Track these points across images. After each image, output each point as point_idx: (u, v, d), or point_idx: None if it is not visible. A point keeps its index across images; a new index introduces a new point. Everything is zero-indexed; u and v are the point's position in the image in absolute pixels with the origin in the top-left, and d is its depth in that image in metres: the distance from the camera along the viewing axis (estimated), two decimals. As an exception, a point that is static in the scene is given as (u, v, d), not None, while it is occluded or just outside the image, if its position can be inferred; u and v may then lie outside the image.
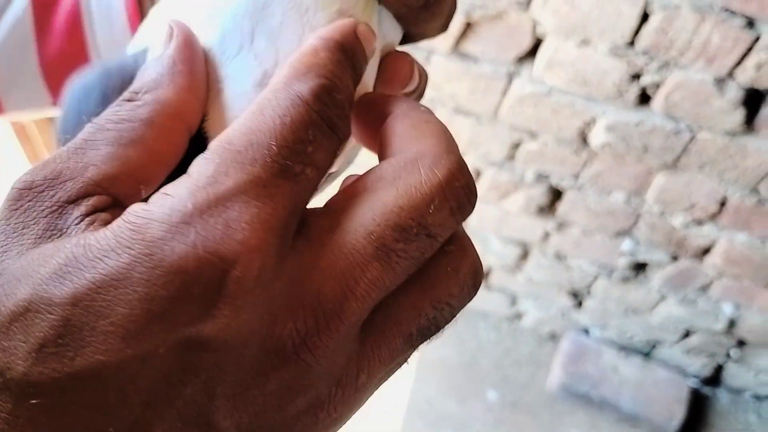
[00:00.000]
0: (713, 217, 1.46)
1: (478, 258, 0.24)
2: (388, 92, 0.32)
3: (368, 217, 0.22)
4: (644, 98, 1.28)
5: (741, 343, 1.76)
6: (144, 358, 0.18)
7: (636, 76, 1.24)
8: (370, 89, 0.31)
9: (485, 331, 1.92)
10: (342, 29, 0.26)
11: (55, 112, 0.45)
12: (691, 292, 1.66)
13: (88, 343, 0.18)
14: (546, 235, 1.65)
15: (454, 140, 0.25)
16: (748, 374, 1.83)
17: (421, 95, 0.34)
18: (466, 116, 1.42)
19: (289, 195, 0.21)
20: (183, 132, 0.25)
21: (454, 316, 0.24)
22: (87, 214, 0.21)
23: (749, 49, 1.14)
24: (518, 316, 1.93)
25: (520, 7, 1.20)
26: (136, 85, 0.25)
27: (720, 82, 1.21)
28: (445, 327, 0.24)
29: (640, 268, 1.66)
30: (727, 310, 1.67)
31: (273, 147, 0.21)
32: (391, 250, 0.21)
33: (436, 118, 0.26)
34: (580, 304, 1.82)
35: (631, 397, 1.78)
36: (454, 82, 1.36)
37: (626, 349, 1.86)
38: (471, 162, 1.52)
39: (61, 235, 0.20)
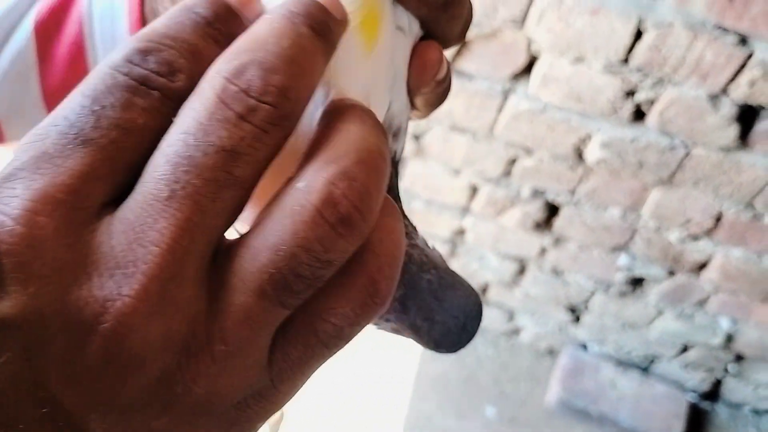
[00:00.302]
0: (709, 232, 1.46)
1: (339, 188, 0.21)
2: (421, 81, 0.33)
3: (158, 158, 0.21)
4: (639, 114, 1.29)
5: (739, 358, 1.76)
6: None
7: (630, 93, 1.25)
8: (383, 94, 0.31)
9: (483, 347, 1.92)
10: None
11: None
12: (688, 306, 1.66)
13: None
14: (543, 251, 1.66)
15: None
16: (746, 389, 1.84)
17: (448, 86, 0.35)
18: (462, 133, 1.43)
19: (81, 161, 0.20)
20: None
21: (324, 261, 0.21)
22: None
23: (742, 66, 1.16)
24: (516, 331, 1.94)
25: (515, 25, 1.21)
26: None
27: (714, 98, 1.22)
28: (319, 276, 0.21)
29: (637, 283, 1.66)
30: (725, 324, 1.67)
31: (65, 118, 0.20)
32: (185, 182, 0.20)
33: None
34: (577, 319, 1.83)
35: (629, 412, 1.78)
36: (450, 99, 1.37)
37: (624, 364, 1.86)
38: (467, 178, 1.53)
39: None
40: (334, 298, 0.22)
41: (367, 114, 0.24)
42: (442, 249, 1.23)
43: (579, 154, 1.39)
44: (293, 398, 0.24)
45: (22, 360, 0.19)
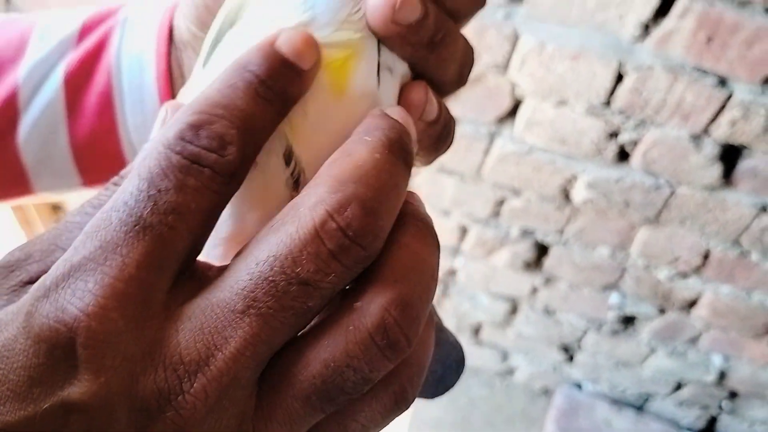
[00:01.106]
0: (697, 269, 1.47)
1: (392, 315, 0.22)
2: None
3: (242, 271, 0.21)
4: (623, 155, 1.30)
5: (733, 395, 1.75)
6: (32, 419, 0.19)
7: (614, 134, 1.26)
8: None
9: (477, 388, 1.91)
10: (258, 50, 0.25)
11: (83, 192, 0.45)
12: (680, 344, 1.66)
13: None
14: (534, 290, 1.66)
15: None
16: (741, 426, 1.82)
17: (445, 128, 0.32)
18: (450, 175, 1.44)
19: (144, 251, 0.21)
20: None
21: (367, 380, 0.22)
22: None
23: (722, 107, 1.17)
24: (510, 371, 1.93)
25: (498, 70, 1.23)
26: (125, 168, 0.26)
27: (696, 138, 1.23)
28: (360, 390, 0.22)
29: (628, 321, 1.66)
30: (717, 361, 1.67)
31: (125, 203, 0.21)
32: (264, 304, 0.21)
33: (359, 154, 0.24)
34: (571, 358, 1.82)
35: (625, 452, 1.76)
36: (437, 142, 1.38)
37: (619, 402, 1.85)
38: (456, 220, 1.54)
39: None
40: (367, 402, 0.23)
41: (429, 231, 0.25)
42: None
43: (566, 195, 1.40)
44: None
45: None
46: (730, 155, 1.25)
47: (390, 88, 0.30)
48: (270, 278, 0.21)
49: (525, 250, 1.55)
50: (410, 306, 0.22)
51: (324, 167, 0.23)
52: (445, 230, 1.58)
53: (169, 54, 0.41)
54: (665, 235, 1.42)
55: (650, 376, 1.77)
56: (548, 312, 1.71)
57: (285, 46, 0.25)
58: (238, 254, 0.22)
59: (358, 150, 0.23)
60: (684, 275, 1.50)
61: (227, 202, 0.23)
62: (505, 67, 1.23)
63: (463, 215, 1.52)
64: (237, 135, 0.22)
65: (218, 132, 0.22)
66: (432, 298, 0.23)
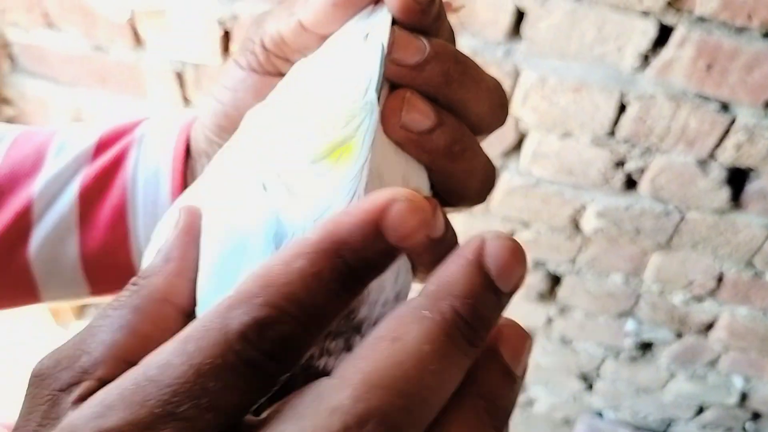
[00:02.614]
0: (712, 292, 1.47)
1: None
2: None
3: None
4: (630, 183, 1.31)
5: (756, 416, 1.74)
6: None
7: (620, 163, 1.27)
8: None
9: (497, 422, 1.89)
10: (363, 212, 0.21)
11: (91, 301, 0.46)
12: (699, 367, 1.65)
13: None
14: (549, 321, 1.66)
15: (386, 384, 0.19)
16: (767, 447, 1.81)
17: (450, 249, 0.30)
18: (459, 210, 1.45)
19: None
20: (172, 313, 0.27)
21: None
22: (75, 401, 0.22)
23: (726, 131, 1.18)
24: (530, 403, 1.92)
25: (502, 106, 1.24)
26: (141, 271, 0.27)
27: (702, 163, 1.24)
28: None
29: (646, 347, 1.65)
30: (738, 383, 1.66)
31: (168, 386, 0.20)
32: None
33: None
34: (590, 386, 1.81)
35: (651, 480, 1.74)
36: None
37: (641, 429, 1.84)
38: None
39: (53, 425, 0.22)
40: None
41: (491, 414, 0.21)
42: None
43: (575, 225, 1.41)
44: None
45: None
46: (738, 178, 1.26)
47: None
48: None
49: (538, 281, 1.55)
50: None
51: (362, 350, 0.20)
52: (457, 265, 1.58)
53: (185, 169, 0.42)
54: (678, 259, 1.42)
55: (671, 401, 1.76)
56: (565, 341, 1.70)
57: (396, 222, 0.21)
58: None
59: (407, 335, 0.20)
60: (699, 299, 1.49)
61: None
62: (508, 102, 1.24)
63: (475, 249, 1.52)
64: (305, 338, 0.20)
65: (284, 336, 0.20)
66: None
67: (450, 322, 0.20)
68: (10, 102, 1.51)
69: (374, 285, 0.25)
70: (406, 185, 0.30)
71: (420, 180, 0.32)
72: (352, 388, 0.19)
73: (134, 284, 0.26)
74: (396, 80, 0.30)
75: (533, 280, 1.55)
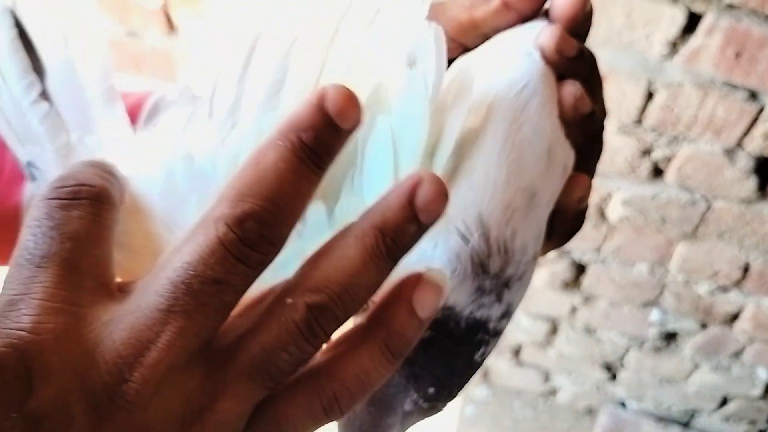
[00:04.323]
0: (738, 283, 1.46)
1: (314, 314, 0.25)
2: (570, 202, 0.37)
3: (162, 278, 0.25)
4: (657, 172, 1.31)
5: (781, 409, 1.73)
6: None
7: (647, 152, 1.27)
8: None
9: (521, 410, 1.91)
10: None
11: None
12: (724, 358, 1.65)
13: None
14: (573, 310, 1.66)
15: (253, 193, 0.25)
16: (792, 440, 1.80)
17: (584, 215, 0.39)
18: (486, 198, 1.46)
19: (56, 274, 0.25)
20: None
21: (298, 359, 0.26)
22: None
23: (755, 120, 1.18)
24: (553, 392, 1.93)
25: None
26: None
27: (729, 152, 1.24)
28: (293, 367, 0.26)
29: (670, 337, 1.66)
30: (763, 375, 1.65)
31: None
32: (184, 302, 0.24)
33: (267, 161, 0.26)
34: (614, 376, 1.82)
35: (673, 470, 1.74)
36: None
37: (665, 420, 1.84)
38: (493, 242, 1.55)
39: None
40: (299, 399, 0.27)
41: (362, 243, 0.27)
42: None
43: (601, 213, 1.41)
44: None
45: None
46: (765, 168, 1.26)
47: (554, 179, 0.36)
48: (186, 281, 0.24)
49: (563, 269, 1.56)
50: (328, 310, 0.26)
51: (234, 177, 0.26)
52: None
53: None
54: (704, 249, 1.42)
55: (695, 392, 1.76)
56: (589, 331, 1.71)
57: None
58: (157, 264, 0.26)
59: (267, 158, 0.25)
60: (725, 289, 1.49)
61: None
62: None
63: (500, 237, 1.53)
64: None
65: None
66: (354, 309, 0.27)
67: (297, 146, 0.25)
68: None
69: (518, 246, 0.33)
70: (565, 169, 0.36)
71: (570, 162, 0.36)
72: (228, 200, 0.25)
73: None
74: (558, 70, 0.36)
75: (558, 269, 1.56)
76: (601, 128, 0.38)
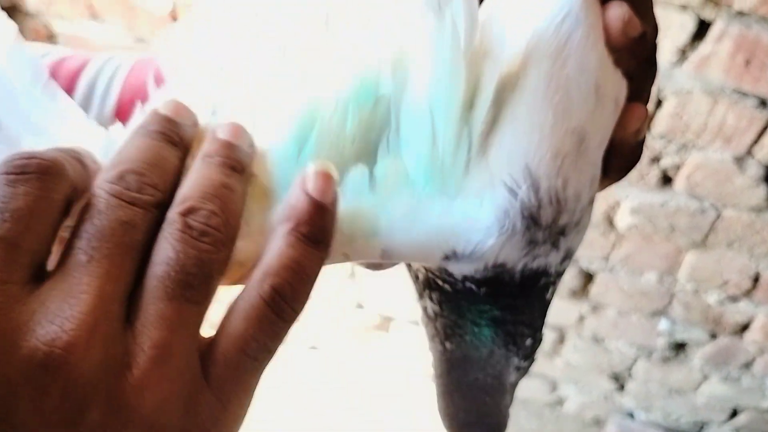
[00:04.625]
0: (748, 292, 1.45)
1: (185, 210, 0.28)
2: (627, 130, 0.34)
3: (74, 236, 0.27)
4: (666, 180, 1.30)
5: (791, 421, 1.71)
6: None
7: (656, 159, 1.26)
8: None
9: (526, 419, 1.89)
10: None
11: None
12: (733, 369, 1.63)
13: None
14: (581, 318, 1.65)
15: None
16: (802, 453, 1.78)
17: (641, 146, 0.37)
18: (493, 206, 1.45)
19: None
20: None
21: (203, 261, 0.27)
22: None
23: (765, 127, 1.17)
24: (560, 401, 1.91)
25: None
26: None
27: (739, 160, 1.23)
28: (204, 273, 0.27)
29: (679, 347, 1.64)
30: (773, 386, 1.63)
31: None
32: (101, 247, 0.26)
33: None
34: (622, 387, 1.80)
35: (682, 482, 1.72)
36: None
37: (673, 431, 1.82)
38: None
39: None
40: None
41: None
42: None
43: (610, 221, 1.40)
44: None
45: None
46: (776, 176, 1.25)
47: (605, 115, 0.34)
48: (93, 231, 0.26)
49: (570, 277, 1.55)
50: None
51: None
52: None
53: None
54: (713, 258, 1.41)
55: (704, 403, 1.74)
56: (596, 340, 1.69)
57: None
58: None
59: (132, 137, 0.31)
60: (734, 299, 1.48)
61: None
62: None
63: (507, 245, 1.52)
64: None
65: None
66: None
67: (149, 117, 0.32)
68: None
69: (571, 194, 0.31)
70: (616, 103, 0.33)
71: (622, 95, 0.34)
72: (111, 165, 0.29)
73: None
74: None
75: (566, 277, 1.54)
76: (654, 48, 0.35)
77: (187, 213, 0.28)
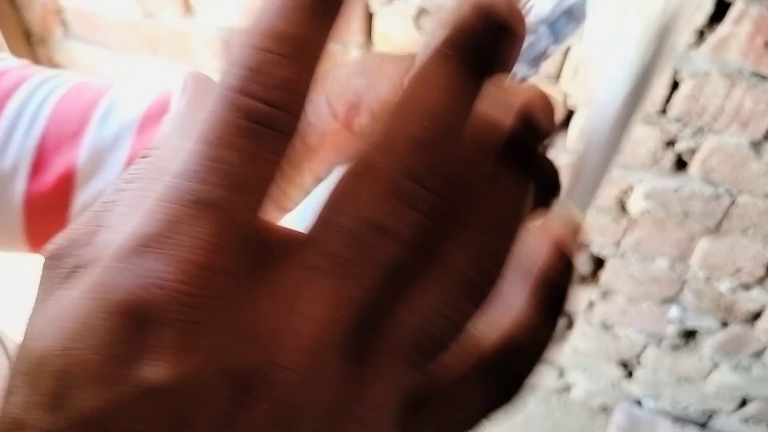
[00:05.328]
0: (761, 281, 1.43)
1: (478, 259, 0.21)
2: None
3: (315, 228, 0.20)
4: (681, 164, 1.28)
5: (802, 411, 1.70)
6: (114, 404, 0.18)
7: (671, 143, 1.24)
8: None
9: (533, 405, 1.88)
10: None
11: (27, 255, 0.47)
12: (744, 358, 1.62)
13: (81, 392, 0.18)
14: (590, 305, 1.64)
15: (398, 130, 0.20)
16: (812, 443, 1.76)
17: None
18: (503, 189, 1.44)
19: (210, 231, 0.19)
20: None
21: (458, 324, 0.21)
22: None
23: (783, 112, 1.15)
24: (567, 388, 1.90)
25: (550, 80, 1.23)
26: (153, 143, 0.24)
27: (756, 145, 1.20)
28: (450, 339, 0.21)
29: (689, 335, 1.62)
30: (784, 376, 1.62)
31: (183, 176, 0.19)
32: (344, 259, 0.19)
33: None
34: (630, 374, 1.79)
35: (689, 471, 1.72)
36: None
37: (681, 420, 1.81)
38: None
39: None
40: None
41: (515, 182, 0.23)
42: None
43: (622, 206, 1.39)
44: None
45: (172, 427, 0.18)
46: (793, 162, 1.22)
47: None
48: (351, 236, 0.19)
49: (580, 263, 1.53)
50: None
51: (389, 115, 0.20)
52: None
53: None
54: (726, 245, 1.39)
55: (714, 392, 1.73)
56: (606, 327, 1.68)
57: None
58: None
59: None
60: (747, 287, 1.46)
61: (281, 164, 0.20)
62: (557, 77, 1.22)
63: (517, 229, 1.51)
64: (303, 77, 0.19)
65: (282, 77, 0.19)
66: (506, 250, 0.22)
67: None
68: (63, 68, 1.54)
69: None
70: None
71: None
72: (383, 126, 0.20)
73: (147, 156, 0.23)
74: None
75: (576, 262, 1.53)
76: None
77: (482, 256, 0.22)
